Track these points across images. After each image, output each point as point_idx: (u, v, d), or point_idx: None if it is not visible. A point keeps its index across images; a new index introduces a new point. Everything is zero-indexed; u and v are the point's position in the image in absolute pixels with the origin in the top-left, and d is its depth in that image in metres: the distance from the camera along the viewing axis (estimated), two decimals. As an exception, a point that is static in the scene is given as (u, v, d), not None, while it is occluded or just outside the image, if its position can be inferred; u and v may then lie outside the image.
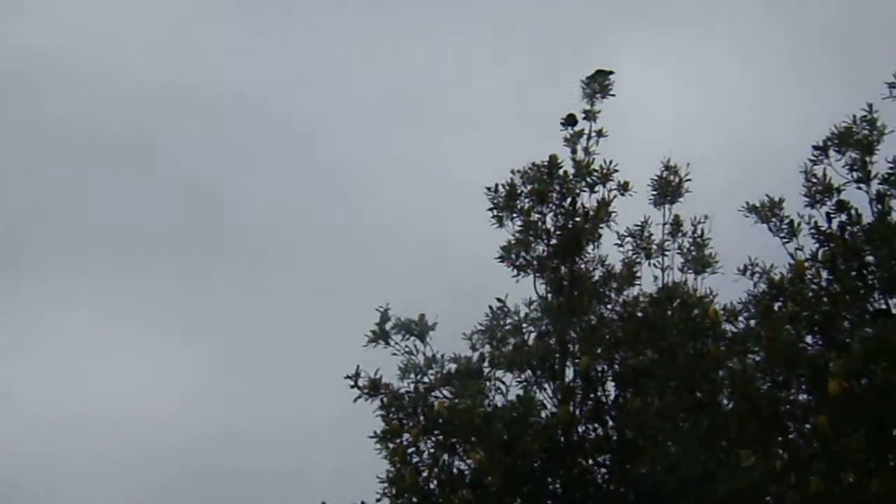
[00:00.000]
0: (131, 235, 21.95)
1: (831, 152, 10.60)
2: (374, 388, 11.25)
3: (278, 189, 22.48)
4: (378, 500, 11.07)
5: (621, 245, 12.06)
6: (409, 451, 11.00)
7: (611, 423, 11.04)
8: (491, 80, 21.93)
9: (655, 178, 12.09)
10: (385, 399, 11.22)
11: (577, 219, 11.86)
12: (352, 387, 11.25)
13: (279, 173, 22.78)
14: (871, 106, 10.53)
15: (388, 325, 11.46)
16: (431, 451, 11.01)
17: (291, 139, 22.93)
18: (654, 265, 11.95)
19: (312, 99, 23.25)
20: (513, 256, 11.76)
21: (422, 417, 11.04)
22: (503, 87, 21.53)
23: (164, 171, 22.14)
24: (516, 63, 21.90)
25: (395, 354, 11.46)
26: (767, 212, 10.70)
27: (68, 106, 22.15)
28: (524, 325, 11.55)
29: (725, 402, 10.22)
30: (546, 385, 11.30)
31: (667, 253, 11.96)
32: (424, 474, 10.93)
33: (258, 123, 23.03)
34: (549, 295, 11.68)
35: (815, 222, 10.44)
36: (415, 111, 23.33)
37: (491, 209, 11.98)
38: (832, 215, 10.42)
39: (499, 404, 11.06)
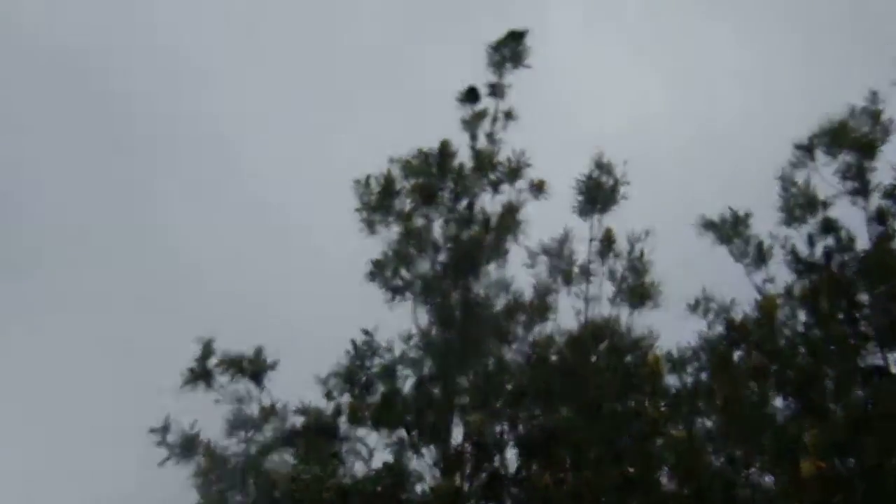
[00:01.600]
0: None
1: (818, 153, 8.93)
2: (190, 445, 9.28)
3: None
4: None
5: (533, 266, 10.26)
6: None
7: (510, 503, 9.21)
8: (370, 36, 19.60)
9: (583, 177, 10.27)
10: (204, 461, 9.24)
11: (476, 227, 10.06)
12: (158, 444, 9.16)
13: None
14: (875, 94, 8.69)
15: (211, 362, 9.53)
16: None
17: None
18: (576, 294, 10.15)
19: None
20: (388, 274, 9.94)
21: (253, 489, 9.02)
22: (386, 48, 19.24)
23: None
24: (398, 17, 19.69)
25: (219, 401, 9.51)
26: (729, 230, 9.17)
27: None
28: (398, 367, 9.71)
29: (664, 480, 8.73)
30: (425, 450, 9.50)
31: (593, 278, 10.15)
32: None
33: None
34: (434, 328, 9.85)
35: (793, 246, 9.04)
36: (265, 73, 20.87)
37: (360, 209, 10.05)
38: (815, 237, 8.95)
39: (359, 474, 9.22)
